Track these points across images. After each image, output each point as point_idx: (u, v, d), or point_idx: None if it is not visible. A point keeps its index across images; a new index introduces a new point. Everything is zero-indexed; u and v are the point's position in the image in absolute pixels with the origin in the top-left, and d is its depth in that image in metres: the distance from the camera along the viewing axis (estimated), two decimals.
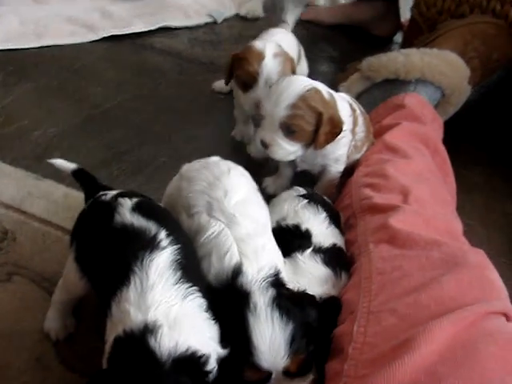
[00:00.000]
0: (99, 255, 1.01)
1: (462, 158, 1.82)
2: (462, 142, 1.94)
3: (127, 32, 2.39)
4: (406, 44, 2.21)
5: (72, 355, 1.11)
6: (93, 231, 1.06)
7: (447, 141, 1.71)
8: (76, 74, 2.11)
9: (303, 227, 1.21)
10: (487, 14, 1.98)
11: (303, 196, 1.32)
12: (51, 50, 2.26)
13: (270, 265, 1.05)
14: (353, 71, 1.94)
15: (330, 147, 1.46)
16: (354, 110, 1.53)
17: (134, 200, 1.06)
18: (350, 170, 1.55)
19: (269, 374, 0.93)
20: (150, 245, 0.95)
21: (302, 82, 1.39)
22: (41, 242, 1.39)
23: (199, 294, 0.93)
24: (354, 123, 1.52)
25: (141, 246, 0.95)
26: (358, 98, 1.88)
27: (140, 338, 0.83)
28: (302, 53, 2.07)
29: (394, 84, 1.82)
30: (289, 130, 1.38)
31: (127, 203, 1.05)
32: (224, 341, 0.92)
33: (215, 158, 1.30)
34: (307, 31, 2.77)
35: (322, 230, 1.23)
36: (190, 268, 0.98)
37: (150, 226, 0.99)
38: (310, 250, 1.15)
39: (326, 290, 1.09)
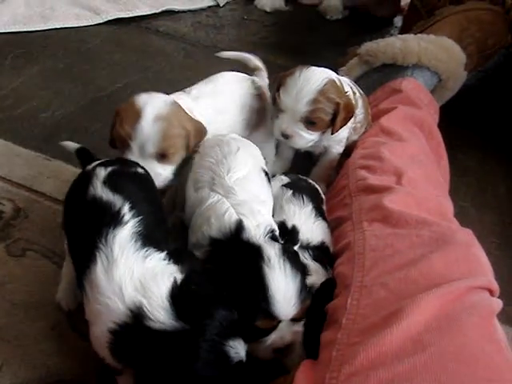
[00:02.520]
0: (74, 227, 1.07)
1: (456, 141, 1.89)
2: (457, 126, 1.99)
3: (132, 15, 2.44)
4: (405, 29, 2.25)
5: (84, 324, 1.18)
6: (71, 203, 1.12)
7: (443, 125, 1.76)
8: (82, 57, 2.17)
9: (289, 224, 1.25)
10: (484, 1, 2.02)
11: (287, 186, 1.37)
12: (57, 32, 2.31)
13: (266, 223, 1.15)
14: (352, 56, 1.98)
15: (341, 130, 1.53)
16: (354, 93, 1.59)
17: (108, 170, 1.11)
18: (347, 151, 1.61)
19: (278, 322, 1.01)
20: (113, 220, 1.01)
21: (318, 76, 1.46)
22: (51, 220, 1.45)
23: (159, 251, 1.00)
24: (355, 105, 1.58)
25: (106, 221, 1.00)
26: (357, 82, 1.92)
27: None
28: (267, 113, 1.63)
29: (392, 69, 1.87)
30: (309, 122, 1.47)
31: (101, 174, 1.09)
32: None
33: (232, 136, 1.38)
34: (308, 14, 2.81)
35: (309, 226, 1.26)
36: (152, 236, 1.03)
37: (116, 201, 1.04)
38: (297, 247, 1.18)
39: (316, 280, 1.13)
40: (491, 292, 1.02)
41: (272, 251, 1.04)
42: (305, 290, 1.03)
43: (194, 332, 0.88)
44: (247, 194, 1.21)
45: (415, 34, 1.93)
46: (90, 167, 1.15)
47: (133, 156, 1.24)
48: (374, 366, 0.84)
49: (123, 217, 1.02)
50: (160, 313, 0.90)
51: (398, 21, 2.74)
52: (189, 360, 0.87)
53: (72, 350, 1.16)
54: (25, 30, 2.29)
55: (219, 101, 1.46)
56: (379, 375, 0.83)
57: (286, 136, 1.50)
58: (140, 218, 1.03)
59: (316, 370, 0.92)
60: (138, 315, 0.90)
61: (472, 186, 1.79)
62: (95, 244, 0.98)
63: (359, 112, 1.61)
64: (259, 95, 1.58)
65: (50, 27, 2.32)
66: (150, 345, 0.88)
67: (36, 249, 1.37)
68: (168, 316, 0.89)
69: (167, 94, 1.36)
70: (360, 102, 1.62)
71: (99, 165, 1.14)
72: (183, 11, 2.60)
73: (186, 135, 1.28)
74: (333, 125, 1.48)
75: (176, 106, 1.29)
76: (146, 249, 0.99)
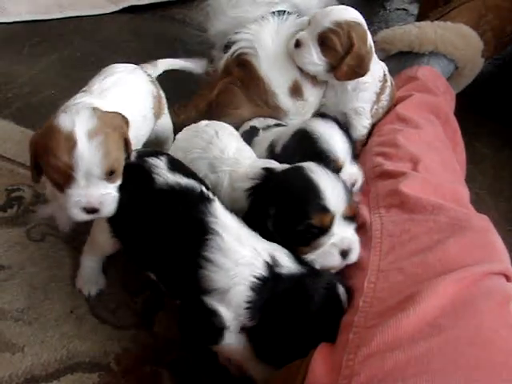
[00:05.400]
0: (144, 217, 1.10)
1: (473, 129, 1.88)
2: (473, 113, 1.98)
3: (147, 2, 2.44)
4: (421, 16, 2.23)
5: (103, 309, 1.20)
6: (131, 195, 1.12)
7: (459, 112, 1.75)
8: (98, 45, 2.18)
9: None
10: None
11: None
12: (73, 21, 2.32)
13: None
14: None
15: (350, 89, 1.55)
16: (385, 80, 1.61)
17: (164, 159, 1.15)
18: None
19: (333, 217, 1.09)
20: (204, 199, 1.09)
21: (355, 15, 1.51)
22: None
23: None
24: (382, 90, 1.60)
25: (198, 201, 1.08)
26: None
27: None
28: (163, 101, 1.57)
29: (408, 56, 1.86)
30: (323, 42, 1.48)
31: (161, 164, 1.13)
32: None
33: (203, 123, 1.40)
34: None
35: None
36: None
37: (193, 183, 1.11)
38: None
39: None
40: (507, 278, 1.03)
41: (311, 165, 1.15)
42: (349, 192, 1.15)
43: (314, 275, 1.03)
44: (249, 160, 1.29)
45: (432, 21, 1.93)
46: (135, 161, 1.16)
47: (78, 187, 1.06)
48: (391, 349, 0.85)
49: (208, 194, 1.11)
50: (287, 259, 1.03)
51: (414, 9, 2.72)
52: (309, 300, 1.00)
53: (91, 332, 1.19)
54: (42, 18, 2.30)
55: (124, 90, 1.37)
56: (395, 357, 0.83)
57: (297, 44, 1.51)
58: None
59: (333, 352, 0.93)
60: (271, 266, 1.01)
61: (488, 174, 1.78)
62: (202, 221, 1.04)
63: (384, 99, 1.61)
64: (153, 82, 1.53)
65: (67, 15, 2.33)
66: (281, 292, 0.99)
67: (55, 234, 1.39)
68: (292, 260, 1.04)
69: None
70: (388, 90, 1.62)
71: (143, 156, 1.17)
72: None
73: (122, 134, 1.13)
74: (339, 65, 1.48)
75: (94, 110, 1.12)
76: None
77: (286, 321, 0.99)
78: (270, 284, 0.99)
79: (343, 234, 1.11)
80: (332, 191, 1.10)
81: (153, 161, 1.14)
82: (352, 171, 1.34)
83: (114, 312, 1.23)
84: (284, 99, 1.59)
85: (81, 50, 2.14)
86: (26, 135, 1.69)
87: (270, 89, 1.58)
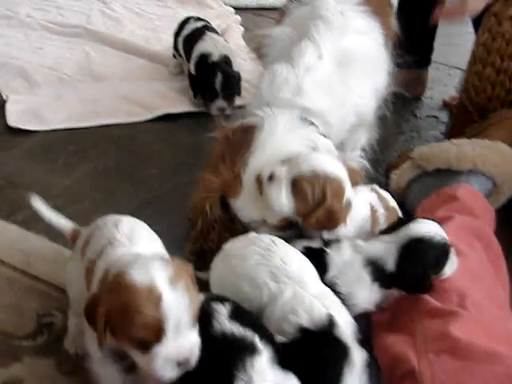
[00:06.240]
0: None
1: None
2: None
3: (181, 111, 2.48)
4: (455, 128, 2.25)
5: None
6: None
7: (496, 226, 1.72)
8: (132, 155, 2.20)
9: None
10: None
11: None
12: (109, 129, 2.36)
13: (351, 322, 1.20)
14: (404, 159, 1.98)
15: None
16: (374, 212, 1.57)
17: (229, 306, 1.16)
18: None
19: None
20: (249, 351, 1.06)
21: (337, 170, 1.46)
22: None
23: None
24: (375, 222, 1.56)
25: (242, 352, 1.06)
26: (409, 185, 1.94)
27: None
28: None
29: (446, 174, 1.86)
30: (295, 186, 1.43)
31: (223, 310, 1.14)
32: None
33: (254, 234, 1.41)
34: None
35: None
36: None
37: (247, 333, 1.10)
38: None
39: None
40: None
41: (358, 358, 1.10)
42: None
43: None
44: (316, 282, 1.27)
45: (468, 137, 1.93)
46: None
47: (169, 341, 0.98)
48: None
49: (257, 347, 1.07)
50: None
51: (444, 116, 2.74)
52: None
53: None
54: (78, 126, 2.35)
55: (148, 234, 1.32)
56: None
57: (271, 177, 1.45)
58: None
59: None
60: None
61: None
62: (233, 375, 1.02)
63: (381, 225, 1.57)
64: None
65: (102, 123, 2.37)
66: None
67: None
68: None
69: None
70: (382, 218, 1.58)
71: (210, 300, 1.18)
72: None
73: (191, 276, 1.07)
74: (307, 216, 1.43)
75: (162, 257, 1.09)
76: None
77: None
78: None
79: None
80: None
81: (217, 306, 1.15)
82: None
83: None
84: None
85: (115, 160, 2.16)
86: (60, 253, 1.67)
87: None
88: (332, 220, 1.44)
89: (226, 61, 2.48)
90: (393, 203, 1.64)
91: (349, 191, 1.47)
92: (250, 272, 1.29)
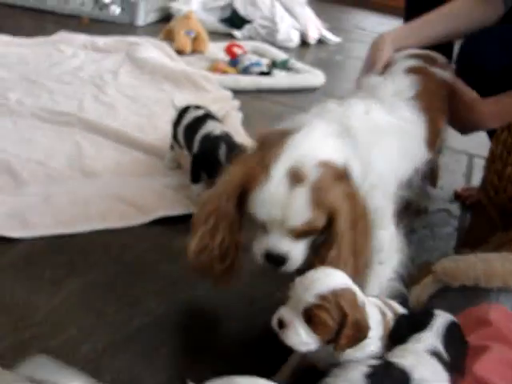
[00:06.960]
0: None
1: None
2: None
3: (178, 214, 2.30)
4: (474, 232, 2.11)
5: None
6: None
7: None
8: (125, 268, 2.00)
9: None
10: None
11: None
12: (100, 235, 2.17)
13: None
14: (426, 273, 1.81)
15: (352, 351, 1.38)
16: (384, 315, 1.47)
17: None
18: None
19: None
20: None
21: (339, 279, 1.37)
22: None
23: None
24: (385, 328, 1.46)
25: None
26: (430, 301, 1.76)
27: None
28: None
29: (473, 291, 1.68)
30: (310, 319, 1.32)
31: None
32: None
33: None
34: None
35: None
36: None
37: None
38: None
39: None
40: None
41: None
42: None
43: None
44: None
45: (494, 248, 1.77)
46: None
47: None
48: None
49: None
50: None
51: (456, 209, 2.60)
52: None
53: None
54: (67, 232, 2.16)
55: None
56: None
57: (281, 325, 1.34)
58: None
59: None
60: None
61: None
62: None
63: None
64: None
65: (94, 228, 2.19)
66: None
67: None
68: None
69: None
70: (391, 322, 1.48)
71: None
72: None
73: None
74: (337, 339, 1.32)
75: None
76: None
77: None
78: None
79: None
80: None
81: None
82: None
83: None
84: None
85: (107, 274, 1.96)
86: None
87: None
88: (362, 328, 1.35)
89: (227, 134, 2.40)
90: (402, 310, 1.57)
91: (358, 292, 1.40)
92: None
